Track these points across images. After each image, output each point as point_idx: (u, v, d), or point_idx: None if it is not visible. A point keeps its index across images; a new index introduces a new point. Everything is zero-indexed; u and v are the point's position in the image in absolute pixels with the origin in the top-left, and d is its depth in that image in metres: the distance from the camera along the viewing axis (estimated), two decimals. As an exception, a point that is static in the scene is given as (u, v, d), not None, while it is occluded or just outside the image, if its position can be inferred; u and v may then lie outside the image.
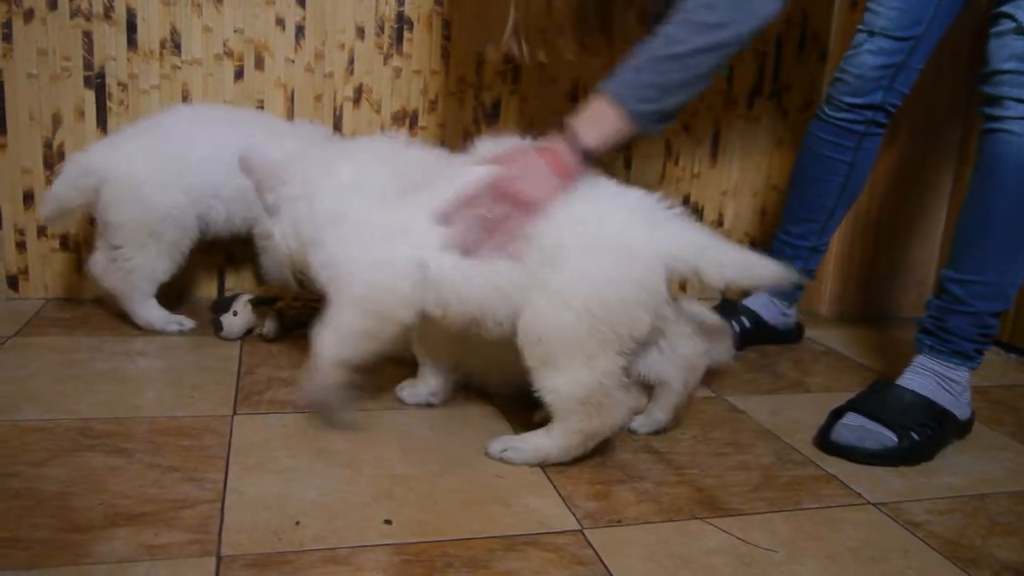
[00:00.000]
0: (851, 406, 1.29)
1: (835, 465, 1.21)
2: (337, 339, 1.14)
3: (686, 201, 2.00)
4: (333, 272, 1.16)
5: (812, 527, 1.03)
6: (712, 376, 1.46)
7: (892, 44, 1.45)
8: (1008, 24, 1.21)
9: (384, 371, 1.40)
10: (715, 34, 1.13)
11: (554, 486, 1.08)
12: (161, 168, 1.50)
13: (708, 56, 1.13)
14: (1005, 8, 1.20)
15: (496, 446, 1.15)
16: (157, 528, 0.92)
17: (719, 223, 2.03)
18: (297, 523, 0.95)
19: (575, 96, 1.86)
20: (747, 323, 1.70)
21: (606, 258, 1.09)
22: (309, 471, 1.07)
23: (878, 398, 1.30)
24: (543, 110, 1.85)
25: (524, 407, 1.26)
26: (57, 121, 1.64)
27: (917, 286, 2.05)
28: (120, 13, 1.62)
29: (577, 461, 1.14)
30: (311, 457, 1.11)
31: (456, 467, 1.11)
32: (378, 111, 1.77)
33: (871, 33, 1.47)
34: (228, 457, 1.09)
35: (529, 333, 1.10)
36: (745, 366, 1.61)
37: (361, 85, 1.75)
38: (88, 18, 1.61)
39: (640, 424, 1.25)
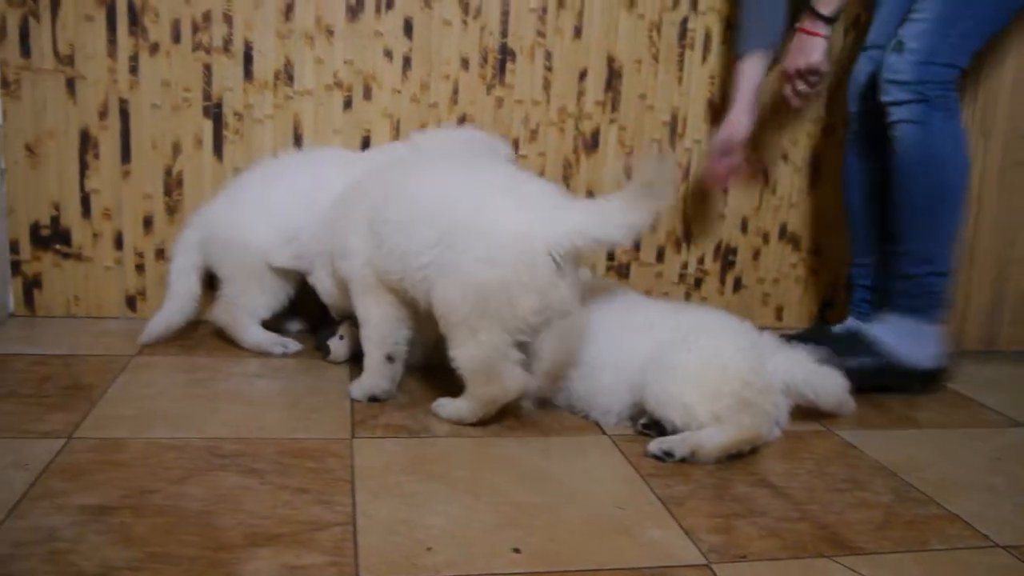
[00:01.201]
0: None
1: (958, 505, 1.18)
2: (372, 337, 1.41)
3: (783, 230, 1.98)
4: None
5: (942, 570, 1.01)
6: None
7: (878, 53, 1.61)
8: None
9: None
10: None
11: (675, 518, 1.08)
12: (253, 212, 1.59)
13: None
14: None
15: (443, 409, 1.34)
16: (296, 549, 0.95)
17: (815, 251, 2.01)
18: (428, 549, 0.97)
19: (673, 125, 1.87)
20: (868, 362, 1.59)
21: (487, 243, 1.23)
22: (433, 497, 1.09)
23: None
24: (641, 138, 1.87)
25: (636, 437, 1.27)
26: (177, 149, 1.71)
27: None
28: (238, 46, 1.69)
29: (694, 494, 1.15)
30: (432, 483, 1.13)
31: (575, 496, 1.12)
32: (480, 140, 1.80)
33: (864, 48, 1.69)
34: (353, 481, 1.12)
35: (435, 309, 1.28)
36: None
37: (465, 115, 1.79)
38: (208, 51, 1.69)
39: None
